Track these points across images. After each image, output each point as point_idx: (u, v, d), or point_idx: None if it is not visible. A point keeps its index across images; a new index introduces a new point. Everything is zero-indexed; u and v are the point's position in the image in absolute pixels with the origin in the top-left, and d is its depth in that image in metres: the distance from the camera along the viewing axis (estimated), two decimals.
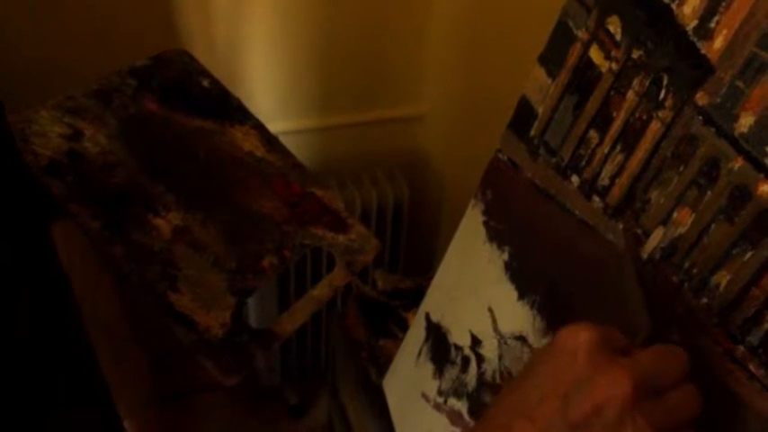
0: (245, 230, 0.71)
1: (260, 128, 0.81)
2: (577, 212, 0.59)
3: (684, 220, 0.50)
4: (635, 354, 0.45)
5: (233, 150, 0.78)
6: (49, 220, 0.63)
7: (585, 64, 0.56)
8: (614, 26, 0.53)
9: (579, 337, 0.44)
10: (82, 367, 0.58)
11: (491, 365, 0.70)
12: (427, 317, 0.79)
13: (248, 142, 0.79)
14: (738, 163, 0.46)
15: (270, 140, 0.80)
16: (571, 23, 0.56)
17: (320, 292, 0.69)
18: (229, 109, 0.82)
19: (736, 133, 0.46)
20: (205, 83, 0.84)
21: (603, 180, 0.56)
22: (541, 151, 0.61)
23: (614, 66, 0.54)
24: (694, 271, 0.50)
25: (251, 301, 1.26)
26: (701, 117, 0.48)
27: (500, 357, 0.68)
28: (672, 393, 0.44)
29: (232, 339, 0.64)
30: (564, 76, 0.58)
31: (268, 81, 1.39)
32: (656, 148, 0.52)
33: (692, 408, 0.44)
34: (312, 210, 0.74)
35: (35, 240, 0.52)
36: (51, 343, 0.49)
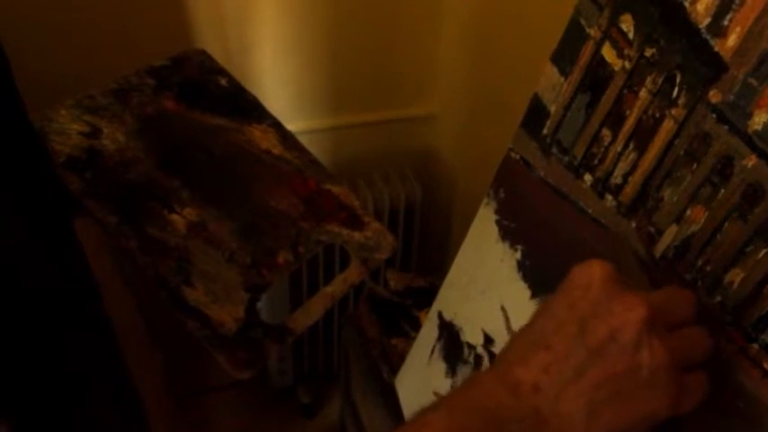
0: (261, 226, 0.72)
1: (277, 126, 0.81)
2: (590, 211, 0.59)
3: (698, 218, 0.50)
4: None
5: (250, 148, 0.78)
6: (73, 214, 0.64)
7: (598, 62, 0.56)
8: (627, 24, 0.53)
9: (593, 269, 0.44)
10: (111, 367, 0.59)
11: None
12: (440, 315, 0.79)
13: (266, 140, 0.79)
14: (752, 161, 0.46)
15: (287, 138, 0.80)
16: (583, 22, 0.56)
17: (335, 288, 0.69)
18: (247, 107, 0.83)
19: (750, 131, 0.46)
20: (223, 81, 0.85)
21: (616, 178, 0.56)
22: (554, 150, 0.61)
23: (627, 64, 0.54)
24: (708, 269, 0.50)
25: (263, 297, 1.26)
26: (714, 115, 0.48)
27: None
28: (684, 330, 0.44)
29: (246, 334, 0.65)
30: (576, 75, 0.58)
31: (281, 81, 1.40)
32: (669, 146, 0.52)
33: (703, 347, 0.45)
34: (328, 207, 0.74)
35: (61, 233, 0.53)
36: (82, 339, 0.50)
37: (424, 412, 0.43)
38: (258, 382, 1.77)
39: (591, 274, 0.44)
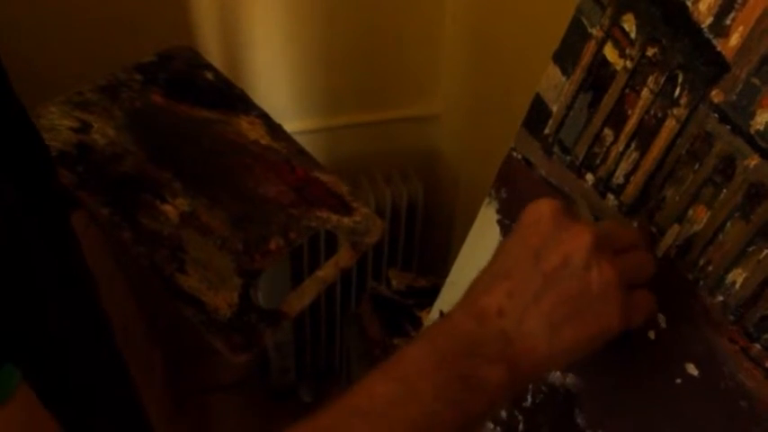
0: (252, 214, 0.73)
1: (264, 117, 0.82)
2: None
3: (700, 217, 0.50)
4: None
5: (238, 139, 0.79)
6: (70, 208, 0.64)
7: (600, 62, 0.56)
8: (629, 24, 0.53)
9: (542, 206, 0.48)
10: (111, 367, 0.59)
11: None
12: (441, 315, 0.79)
13: (253, 131, 0.80)
14: (754, 160, 0.46)
15: (274, 129, 0.82)
16: (585, 21, 0.56)
17: (326, 272, 0.70)
18: (234, 100, 0.84)
19: (752, 131, 0.46)
20: (209, 76, 0.86)
21: (618, 178, 0.56)
22: (556, 149, 0.61)
23: (629, 63, 0.54)
24: (710, 269, 0.50)
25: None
26: (716, 115, 0.48)
27: None
28: (629, 253, 0.49)
29: (241, 319, 0.65)
30: (578, 74, 0.58)
31: (283, 81, 1.40)
32: (671, 145, 0.52)
33: (647, 267, 0.49)
34: (317, 193, 0.75)
35: (59, 226, 0.54)
36: (79, 333, 0.50)
37: (403, 347, 0.47)
38: (260, 381, 1.77)
39: (540, 211, 0.48)
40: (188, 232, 0.70)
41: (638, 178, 0.55)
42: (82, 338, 0.52)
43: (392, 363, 0.46)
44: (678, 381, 0.53)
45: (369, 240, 0.73)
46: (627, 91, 0.54)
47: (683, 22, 0.49)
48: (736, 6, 0.46)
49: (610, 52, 0.55)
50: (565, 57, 0.59)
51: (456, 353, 0.45)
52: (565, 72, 0.59)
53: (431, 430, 0.43)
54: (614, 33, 0.54)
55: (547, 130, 0.62)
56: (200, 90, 0.84)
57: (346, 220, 0.74)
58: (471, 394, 0.44)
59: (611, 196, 0.57)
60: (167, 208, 0.71)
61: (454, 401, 0.44)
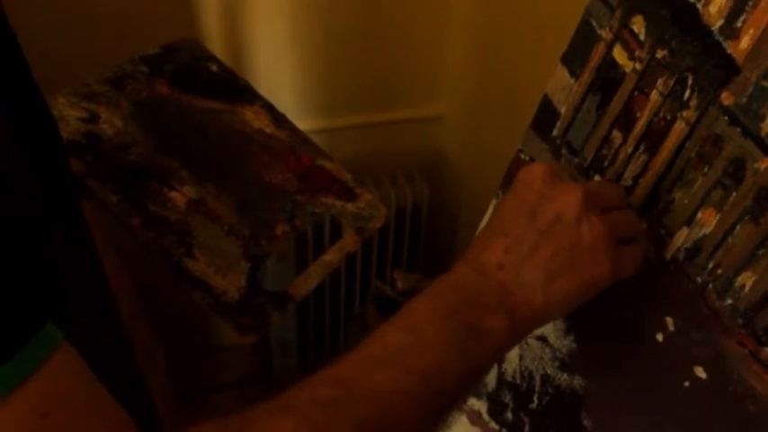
0: (258, 201, 0.74)
1: (268, 107, 0.84)
2: None
3: (709, 220, 0.50)
4: None
5: (243, 128, 0.81)
6: (81, 197, 0.65)
7: (609, 64, 0.56)
8: (638, 26, 0.53)
9: (535, 169, 0.52)
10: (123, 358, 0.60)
11: (511, 365, 0.70)
12: None
13: (258, 120, 0.82)
14: (765, 164, 0.46)
15: (278, 118, 0.83)
16: (594, 23, 0.56)
17: (332, 257, 0.72)
18: (238, 90, 0.85)
19: (763, 133, 0.46)
20: (214, 67, 0.87)
21: (627, 181, 0.56)
22: (564, 151, 0.61)
23: (638, 66, 0.54)
24: (719, 272, 0.50)
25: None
26: (726, 117, 0.48)
27: (521, 357, 0.68)
28: (615, 212, 0.52)
29: (249, 301, 0.67)
30: (587, 76, 0.58)
31: (287, 81, 1.40)
32: (680, 148, 0.52)
33: (632, 223, 0.53)
34: (321, 180, 0.76)
35: (72, 214, 0.54)
36: (93, 323, 0.50)
37: (409, 302, 0.49)
38: (262, 381, 1.77)
39: (533, 173, 0.51)
40: (195, 218, 0.71)
41: (647, 181, 0.54)
42: (93, 317, 0.52)
43: (402, 315, 0.48)
44: (686, 384, 0.53)
45: (373, 225, 0.74)
46: (636, 93, 0.54)
47: (692, 24, 0.49)
48: (747, 9, 0.46)
49: (619, 54, 0.55)
50: (573, 58, 0.59)
51: (461, 304, 0.48)
52: (573, 74, 0.59)
53: (441, 376, 0.45)
54: (623, 35, 0.54)
55: (555, 132, 0.62)
56: (205, 81, 0.85)
57: (350, 206, 0.75)
58: (477, 341, 0.47)
59: None
60: (175, 195, 0.73)
61: (462, 349, 0.46)
